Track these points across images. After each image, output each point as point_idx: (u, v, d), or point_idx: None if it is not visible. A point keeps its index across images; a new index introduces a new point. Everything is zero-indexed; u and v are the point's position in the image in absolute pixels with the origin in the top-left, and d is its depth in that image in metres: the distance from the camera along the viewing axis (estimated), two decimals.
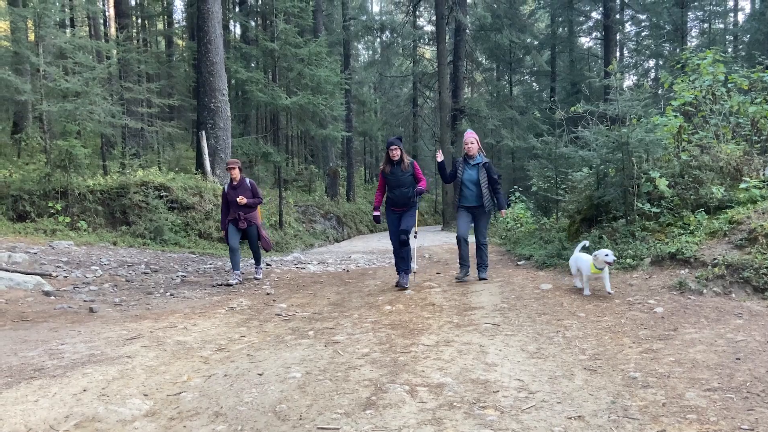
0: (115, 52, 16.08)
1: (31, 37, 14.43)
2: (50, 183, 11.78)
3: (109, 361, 4.14)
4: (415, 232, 7.63)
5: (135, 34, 22.92)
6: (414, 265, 7.65)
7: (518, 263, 9.31)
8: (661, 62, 27.02)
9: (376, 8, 45.26)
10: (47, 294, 6.81)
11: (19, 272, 7.29)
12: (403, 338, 4.70)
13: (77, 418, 3.12)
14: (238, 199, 8.06)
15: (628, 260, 6.84)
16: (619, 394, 3.23)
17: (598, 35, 29.80)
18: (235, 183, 8.28)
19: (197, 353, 4.44)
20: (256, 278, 8.52)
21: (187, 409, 3.24)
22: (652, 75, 28.96)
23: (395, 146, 7.03)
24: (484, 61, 32.77)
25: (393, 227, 7.34)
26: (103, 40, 20.23)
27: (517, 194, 17.61)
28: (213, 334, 5.12)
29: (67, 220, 11.60)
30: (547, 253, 8.66)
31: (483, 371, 3.73)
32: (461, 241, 7.48)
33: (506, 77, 32.87)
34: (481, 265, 7.49)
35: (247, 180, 8.38)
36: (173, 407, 3.28)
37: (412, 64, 33.67)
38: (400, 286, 7.12)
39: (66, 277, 7.85)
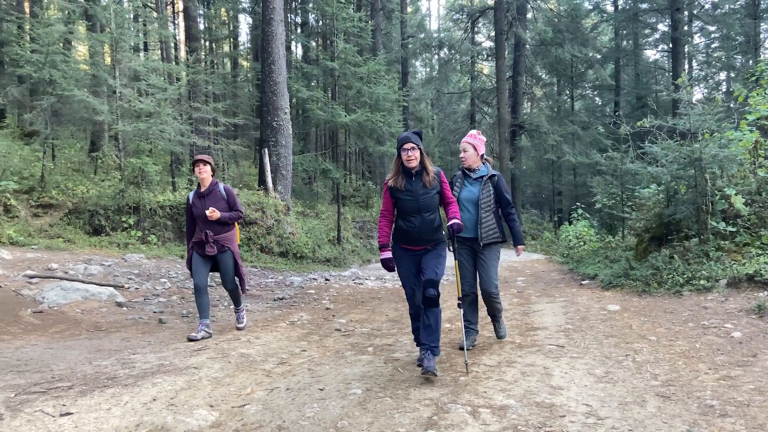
0: (184, 73, 16.85)
1: (108, 60, 15.28)
2: (124, 199, 12.37)
3: (177, 372, 4.27)
4: (459, 300, 4.62)
5: (203, 57, 23.95)
6: (466, 359, 4.39)
7: (582, 283, 9.03)
8: (733, 75, 25.87)
9: (434, 25, 45.60)
10: (120, 305, 7.13)
11: (95, 284, 7.66)
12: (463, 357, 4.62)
13: (147, 427, 3.23)
14: (207, 212, 5.59)
15: (702, 282, 6.52)
16: (695, 423, 3.05)
17: (665, 48, 28.80)
18: (203, 190, 5.74)
19: (260, 366, 4.52)
20: (237, 328, 6.08)
21: (251, 421, 3.29)
22: (724, 88, 27.69)
23: (411, 144, 4.08)
24: (544, 76, 32.34)
25: (407, 274, 4.32)
26: (174, 63, 21.27)
27: (580, 211, 17.15)
28: (275, 348, 5.20)
29: (139, 234, 12.13)
30: (613, 273, 8.37)
31: (548, 394, 3.62)
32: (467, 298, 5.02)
33: (567, 92, 32.24)
34: (496, 317, 5.27)
35: (221, 185, 5.84)
36: (238, 419, 3.34)
37: (470, 80, 33.59)
38: (427, 371, 3.97)
39: (137, 288, 8.19)
